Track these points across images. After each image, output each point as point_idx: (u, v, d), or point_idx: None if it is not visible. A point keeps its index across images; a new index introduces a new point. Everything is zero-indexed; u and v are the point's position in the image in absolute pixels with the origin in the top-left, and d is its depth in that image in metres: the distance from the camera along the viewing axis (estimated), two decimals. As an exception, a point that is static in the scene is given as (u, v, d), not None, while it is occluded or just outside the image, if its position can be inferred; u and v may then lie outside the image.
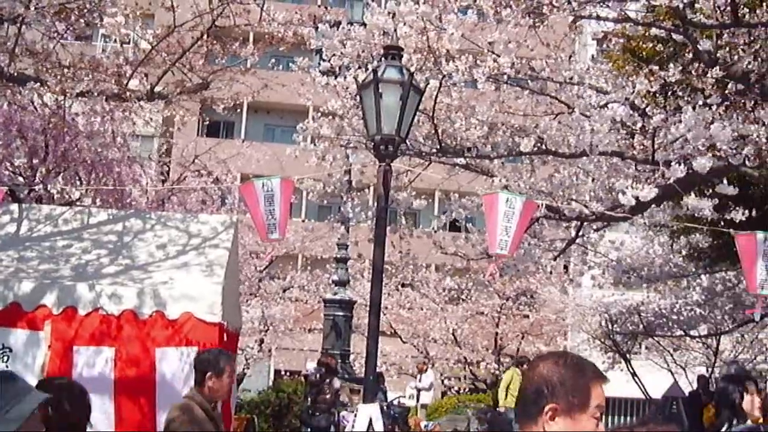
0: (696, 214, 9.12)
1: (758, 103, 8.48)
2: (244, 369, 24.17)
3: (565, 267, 22.20)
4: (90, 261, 8.61)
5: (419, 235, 14.04)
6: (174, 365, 7.82)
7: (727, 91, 8.49)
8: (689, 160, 8.18)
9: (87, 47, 13.30)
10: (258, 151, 26.48)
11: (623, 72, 9.75)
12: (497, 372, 28.22)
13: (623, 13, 8.49)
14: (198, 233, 9.13)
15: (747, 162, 8.27)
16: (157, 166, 18.38)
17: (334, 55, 9.60)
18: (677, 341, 22.96)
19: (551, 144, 9.43)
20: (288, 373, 29.19)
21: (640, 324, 20.73)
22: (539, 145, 9.46)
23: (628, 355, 22.65)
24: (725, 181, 8.82)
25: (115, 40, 10.83)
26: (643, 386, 22.60)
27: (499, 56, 8.54)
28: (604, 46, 12.52)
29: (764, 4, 8.03)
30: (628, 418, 31.46)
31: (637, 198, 8.33)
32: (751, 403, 6.54)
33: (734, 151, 8.16)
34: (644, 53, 10.49)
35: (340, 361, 16.50)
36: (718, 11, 8.23)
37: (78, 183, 13.14)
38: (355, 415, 8.80)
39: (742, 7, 8.26)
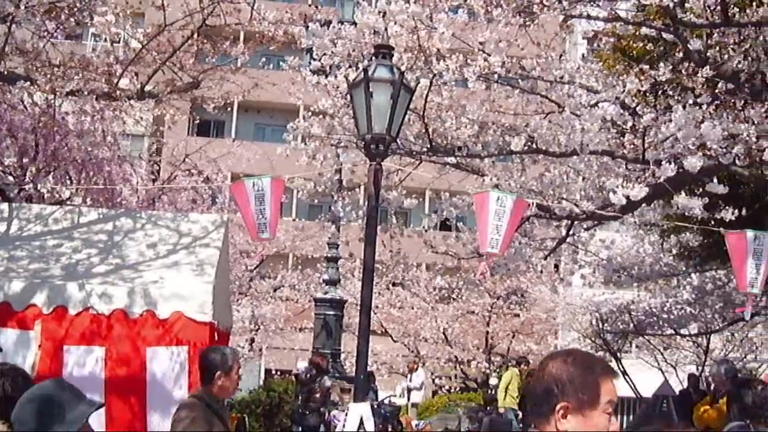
0: (686, 213, 9.11)
1: (748, 102, 8.50)
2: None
3: (556, 266, 22.27)
4: (80, 260, 8.59)
5: (410, 234, 14.05)
6: (164, 364, 7.82)
7: (717, 91, 8.52)
8: (679, 159, 8.19)
9: (77, 46, 13.24)
10: (248, 150, 26.46)
11: (614, 71, 9.77)
12: (488, 371, 28.25)
13: (614, 12, 8.50)
14: (188, 232, 9.13)
15: (737, 161, 8.27)
16: (147, 165, 18.34)
17: (324, 54, 9.59)
18: (668, 340, 22.96)
19: (542, 143, 9.44)
20: (279, 373, 29.16)
21: (631, 323, 20.72)
22: (530, 144, 9.46)
23: (618, 354, 22.61)
24: (715, 180, 8.82)
25: (106, 39, 10.80)
26: (634, 385, 22.59)
27: (489, 55, 8.54)
28: (595, 45, 12.52)
29: (754, 3, 8.05)
30: (619, 417, 31.38)
31: (627, 197, 8.33)
32: None
33: (724, 150, 8.17)
34: (635, 52, 10.51)
35: (330, 360, 16.50)
36: (709, 11, 8.25)
37: (68, 182, 13.11)
38: (346, 414, 8.78)
39: (732, 6, 8.28)
